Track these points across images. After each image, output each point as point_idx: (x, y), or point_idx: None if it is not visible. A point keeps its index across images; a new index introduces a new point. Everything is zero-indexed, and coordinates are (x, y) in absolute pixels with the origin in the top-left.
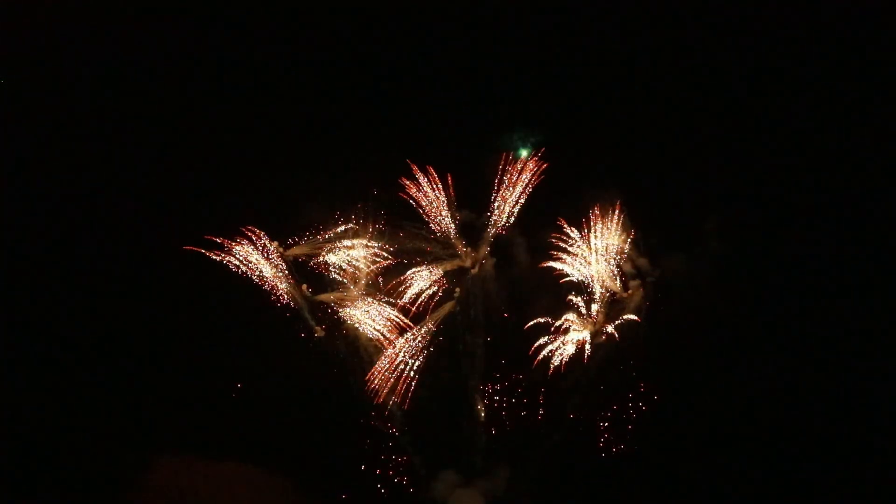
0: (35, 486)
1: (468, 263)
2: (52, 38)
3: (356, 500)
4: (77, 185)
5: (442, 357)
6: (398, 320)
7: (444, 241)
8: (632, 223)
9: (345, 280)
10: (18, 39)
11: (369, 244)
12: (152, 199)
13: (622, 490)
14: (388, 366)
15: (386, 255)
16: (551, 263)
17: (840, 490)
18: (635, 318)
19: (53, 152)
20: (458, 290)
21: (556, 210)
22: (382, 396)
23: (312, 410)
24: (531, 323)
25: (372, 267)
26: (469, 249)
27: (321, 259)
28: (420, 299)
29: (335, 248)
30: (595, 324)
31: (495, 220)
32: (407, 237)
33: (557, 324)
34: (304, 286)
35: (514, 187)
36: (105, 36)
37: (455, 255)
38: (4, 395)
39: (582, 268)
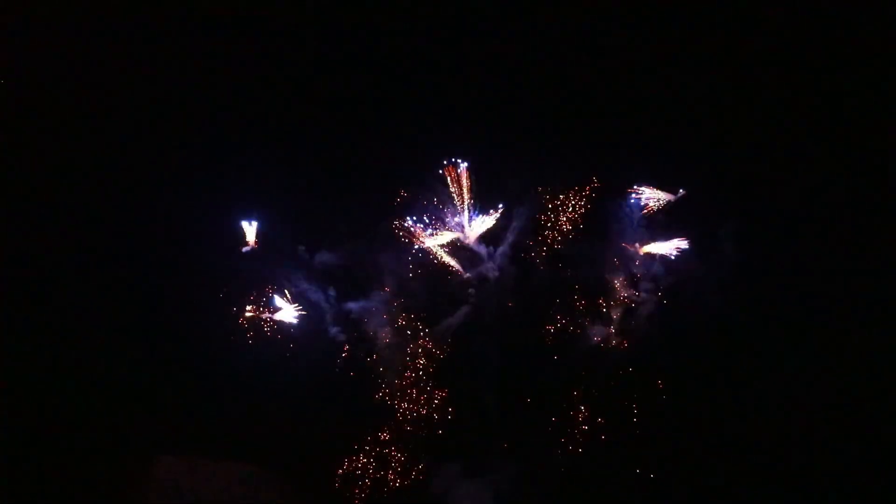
0: (36, 484)
1: (489, 270)
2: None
3: (356, 498)
4: (89, 189)
5: (454, 357)
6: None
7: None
8: (647, 229)
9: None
10: (21, 40)
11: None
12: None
13: (631, 492)
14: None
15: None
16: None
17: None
18: (647, 323)
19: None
20: (472, 290)
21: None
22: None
23: (314, 409)
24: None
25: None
26: (492, 250)
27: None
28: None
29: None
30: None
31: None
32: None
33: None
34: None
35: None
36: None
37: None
38: (6, 393)
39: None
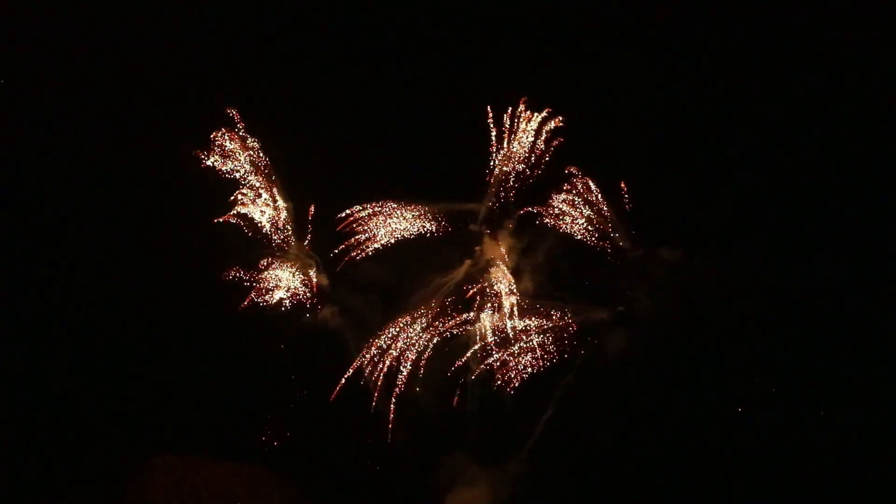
0: (35, 483)
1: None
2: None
3: (357, 498)
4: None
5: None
6: None
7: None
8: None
9: None
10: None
11: None
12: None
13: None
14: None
15: None
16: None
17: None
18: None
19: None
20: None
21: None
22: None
23: (314, 409)
24: None
25: None
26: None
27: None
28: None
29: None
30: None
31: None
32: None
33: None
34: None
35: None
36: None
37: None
38: (6, 392)
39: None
